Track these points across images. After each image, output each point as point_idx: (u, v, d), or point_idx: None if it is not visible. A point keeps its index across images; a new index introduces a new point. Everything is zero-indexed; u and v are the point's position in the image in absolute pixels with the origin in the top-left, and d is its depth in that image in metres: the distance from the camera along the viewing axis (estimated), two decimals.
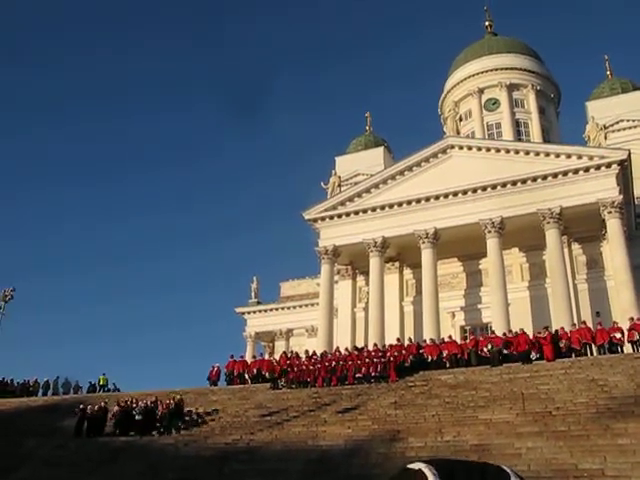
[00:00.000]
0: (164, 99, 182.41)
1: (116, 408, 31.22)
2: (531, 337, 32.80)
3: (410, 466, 2.36)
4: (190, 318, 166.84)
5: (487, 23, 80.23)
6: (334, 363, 34.30)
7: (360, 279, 50.86)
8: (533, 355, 31.40)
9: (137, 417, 30.43)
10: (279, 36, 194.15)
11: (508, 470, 2.32)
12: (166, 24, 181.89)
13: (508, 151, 45.79)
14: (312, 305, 58.77)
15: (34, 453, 28.90)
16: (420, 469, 2.30)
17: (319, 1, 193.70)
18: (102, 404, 32.28)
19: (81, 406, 32.22)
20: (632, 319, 32.96)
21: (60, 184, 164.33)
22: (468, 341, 35.55)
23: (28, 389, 43.70)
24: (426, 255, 44.95)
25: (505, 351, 32.64)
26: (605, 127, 54.43)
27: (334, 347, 40.84)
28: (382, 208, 47.44)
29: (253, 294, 68.32)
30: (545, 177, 42.91)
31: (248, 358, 45.19)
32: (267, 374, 36.81)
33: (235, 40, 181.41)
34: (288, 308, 64.59)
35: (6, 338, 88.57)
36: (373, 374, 32.75)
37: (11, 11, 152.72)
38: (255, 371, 38.35)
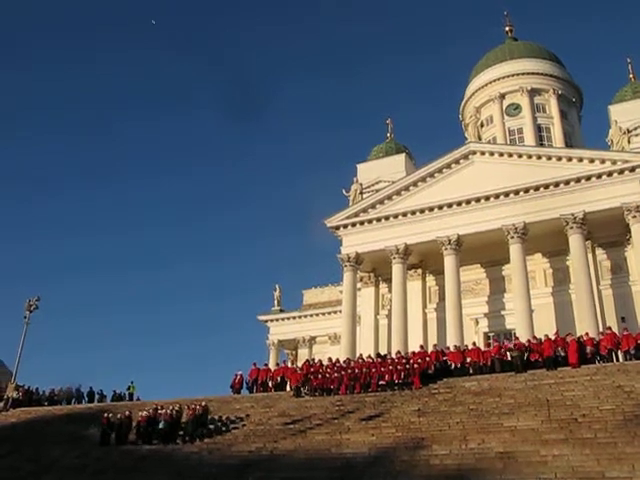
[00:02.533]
0: (167, 103, 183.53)
1: (140, 416, 31.38)
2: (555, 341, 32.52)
3: None
4: (213, 326, 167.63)
5: (507, 28, 79.90)
6: (357, 370, 34.21)
7: (383, 286, 50.76)
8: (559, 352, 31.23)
9: (161, 425, 30.56)
10: (303, 43, 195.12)
11: None
12: (168, 29, 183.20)
13: (530, 156, 45.54)
14: (335, 312, 58.78)
15: (59, 461, 29.12)
16: None
17: (342, 7, 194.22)
18: (127, 413, 32.46)
19: (105, 414, 32.46)
20: None
21: (77, 189, 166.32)
22: (492, 347, 35.30)
23: (53, 398, 44.03)
24: (449, 261, 44.79)
25: (531, 359, 32.36)
26: (628, 131, 53.83)
27: (357, 354, 40.80)
28: (404, 215, 47.37)
29: (276, 302, 68.45)
30: (568, 182, 42.62)
31: (271, 366, 45.19)
32: (290, 382, 36.84)
33: (250, 44, 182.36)
34: (311, 316, 64.64)
35: (32, 346, 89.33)
36: (397, 381, 32.63)
37: (13, 15, 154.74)
38: (278, 379, 38.39)
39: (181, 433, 30.49)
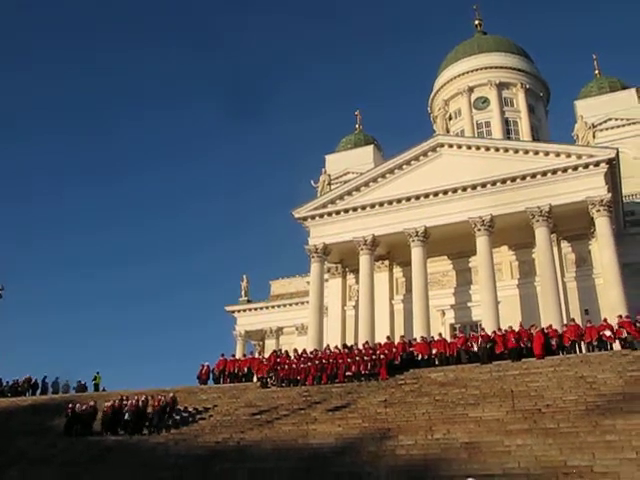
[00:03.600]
0: (158, 99, 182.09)
1: (105, 407, 31.12)
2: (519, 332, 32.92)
3: None
4: (180, 317, 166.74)
5: (477, 22, 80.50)
6: (324, 361, 34.27)
7: (350, 277, 50.85)
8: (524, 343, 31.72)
9: (127, 416, 30.34)
10: (268, 37, 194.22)
11: None
12: (163, 26, 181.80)
13: (497, 149, 45.84)
14: (302, 303, 58.75)
15: (24, 453, 28.78)
16: None
17: (309, 1, 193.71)
18: (91, 403, 32.16)
19: (70, 405, 32.12)
20: (620, 317, 33.07)
21: (54, 185, 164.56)
22: (457, 339, 35.59)
23: (17, 389, 43.45)
24: (416, 253, 44.98)
25: (496, 350, 32.71)
26: (594, 126, 54.79)
27: (324, 345, 40.83)
28: (372, 206, 47.44)
29: (243, 293, 68.21)
30: (534, 175, 42.99)
31: (238, 356, 45.07)
32: (257, 372, 36.79)
33: (226, 41, 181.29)
34: (278, 306, 64.59)
35: None
36: (363, 372, 32.72)
37: (12, 13, 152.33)
38: (245, 370, 38.31)
39: (147, 424, 30.31)
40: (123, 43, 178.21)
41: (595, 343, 32.17)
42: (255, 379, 37.20)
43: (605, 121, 59.12)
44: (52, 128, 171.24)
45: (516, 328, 33.69)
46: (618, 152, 42.29)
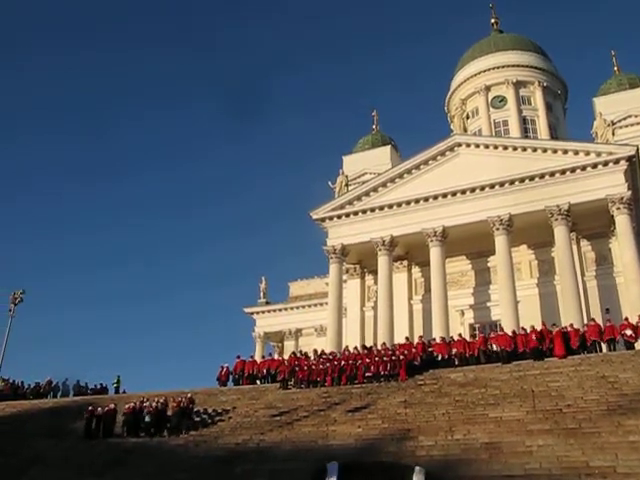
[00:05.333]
0: (162, 101, 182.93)
1: (126, 409, 31.25)
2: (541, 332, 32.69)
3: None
4: (199, 318, 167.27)
5: (493, 20, 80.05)
6: (343, 362, 34.25)
7: (369, 278, 50.82)
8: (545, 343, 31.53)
9: (147, 418, 30.45)
10: (285, 35, 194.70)
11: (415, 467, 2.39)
12: (163, 26, 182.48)
13: (515, 148, 45.64)
14: (321, 305, 58.81)
15: (44, 455, 28.94)
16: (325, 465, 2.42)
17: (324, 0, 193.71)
18: (111, 405, 32.32)
19: (90, 407, 32.29)
20: None
21: (64, 185, 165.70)
22: (477, 339, 35.42)
23: (39, 391, 43.78)
24: (434, 253, 44.88)
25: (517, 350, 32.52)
26: (613, 123, 54.13)
27: (343, 346, 40.82)
28: (390, 207, 47.38)
29: (262, 294, 68.41)
30: (553, 174, 42.75)
31: (257, 358, 45.16)
32: (276, 374, 36.80)
33: (238, 39, 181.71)
34: (297, 308, 64.68)
35: (17, 340, 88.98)
36: (383, 373, 32.67)
37: (12, 13, 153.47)
38: (265, 371, 38.35)
39: (167, 426, 30.40)
40: (123, 43, 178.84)
41: (617, 342, 31.91)
42: (274, 380, 37.21)
43: (625, 118, 58.46)
44: (52, 128, 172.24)
45: (537, 327, 33.47)
46: (638, 149, 41.99)
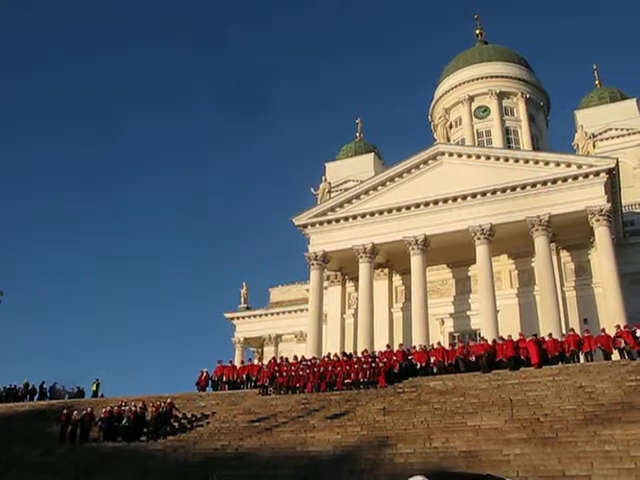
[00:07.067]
0: (159, 103, 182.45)
1: (103, 413, 31.07)
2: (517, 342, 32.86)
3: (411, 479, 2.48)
4: (180, 324, 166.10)
5: (477, 31, 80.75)
6: (323, 369, 34.25)
7: (349, 285, 50.83)
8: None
9: (124, 422, 30.28)
10: (269, 44, 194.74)
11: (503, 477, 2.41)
12: (165, 29, 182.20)
13: (498, 158, 45.90)
14: (301, 311, 58.68)
15: (21, 459, 28.74)
16: None
17: (311, 9, 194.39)
18: (88, 409, 32.11)
19: (65, 411, 32.05)
20: (619, 326, 33.07)
21: (53, 191, 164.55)
22: (457, 348, 35.56)
23: (15, 394, 43.38)
24: (415, 261, 44.98)
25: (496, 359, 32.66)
26: (594, 135, 54.85)
27: (323, 353, 40.83)
28: (372, 214, 47.46)
29: (242, 299, 68.17)
30: (534, 185, 43.04)
31: (237, 363, 45.02)
32: (255, 379, 36.74)
33: (229, 45, 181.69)
34: (277, 314, 64.50)
35: None
36: (362, 380, 32.71)
37: (11, 16, 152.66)
38: (244, 377, 38.27)
39: (145, 430, 30.26)
40: (123, 44, 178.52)
41: (594, 353, 32.14)
42: (253, 386, 37.16)
43: (605, 131, 59.33)
44: (54, 133, 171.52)
45: (515, 337, 33.68)
46: (618, 162, 42.38)
